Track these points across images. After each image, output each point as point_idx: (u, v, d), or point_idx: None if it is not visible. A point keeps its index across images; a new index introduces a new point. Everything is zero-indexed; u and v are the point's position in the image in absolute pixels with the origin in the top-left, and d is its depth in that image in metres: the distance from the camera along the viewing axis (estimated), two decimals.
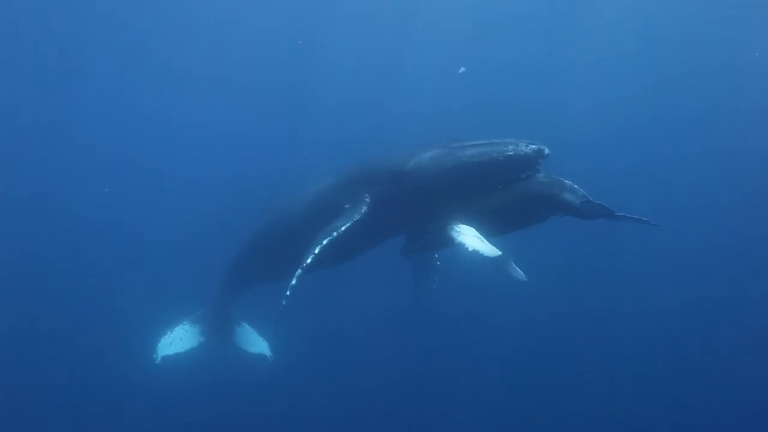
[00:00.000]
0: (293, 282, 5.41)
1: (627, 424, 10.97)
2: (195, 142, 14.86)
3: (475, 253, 4.87)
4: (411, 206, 5.68)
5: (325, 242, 5.46)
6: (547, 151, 5.28)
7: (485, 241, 4.99)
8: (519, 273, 5.12)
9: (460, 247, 5.00)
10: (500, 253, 4.83)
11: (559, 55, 16.58)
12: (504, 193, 5.35)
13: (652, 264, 12.90)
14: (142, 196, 12.72)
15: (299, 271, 5.44)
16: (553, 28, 16.42)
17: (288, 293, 5.37)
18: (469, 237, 5.01)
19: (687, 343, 11.92)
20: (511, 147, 5.31)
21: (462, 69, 15.43)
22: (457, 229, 5.18)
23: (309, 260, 5.44)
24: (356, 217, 5.57)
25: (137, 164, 13.68)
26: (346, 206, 5.79)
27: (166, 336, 7.78)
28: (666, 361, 11.67)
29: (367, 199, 5.73)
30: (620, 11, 16.16)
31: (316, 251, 5.45)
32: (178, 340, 7.82)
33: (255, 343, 8.06)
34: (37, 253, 11.84)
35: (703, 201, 14.39)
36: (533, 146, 5.30)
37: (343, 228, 5.49)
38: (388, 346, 10.38)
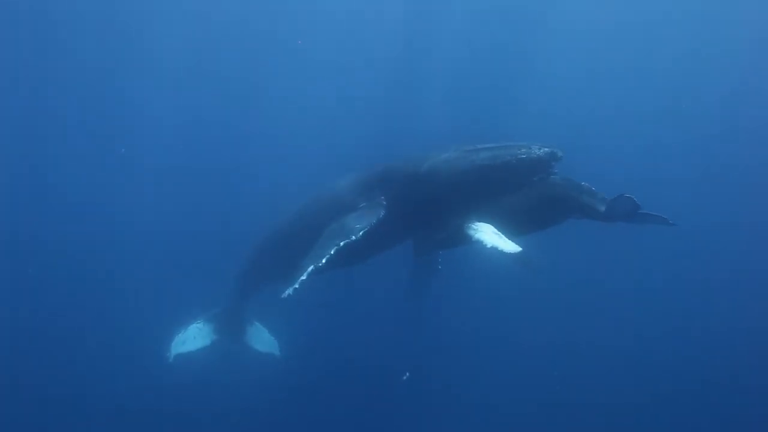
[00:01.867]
0: (303, 277, 5.16)
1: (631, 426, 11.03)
2: (213, 139, 14.93)
3: (495, 249, 4.93)
4: (425, 209, 5.74)
5: (341, 244, 5.33)
6: (560, 154, 5.39)
7: (504, 237, 5.06)
8: (539, 264, 5.15)
9: (479, 244, 5.07)
10: (520, 249, 4.89)
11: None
12: (520, 195, 5.45)
13: (660, 268, 12.97)
14: (157, 194, 12.77)
15: (311, 267, 5.22)
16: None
17: (296, 286, 5.12)
18: (488, 234, 5.10)
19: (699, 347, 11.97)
20: (524, 150, 5.42)
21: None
22: (474, 226, 5.26)
23: (324, 261, 5.26)
24: (373, 220, 5.51)
25: (154, 161, 13.71)
26: (362, 205, 5.81)
27: (180, 334, 7.90)
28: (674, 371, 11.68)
29: (383, 202, 5.75)
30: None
31: (332, 252, 5.30)
32: (191, 338, 7.93)
33: (266, 342, 8.17)
34: (51, 250, 11.88)
35: (714, 204, 14.49)
36: (546, 149, 5.41)
37: (361, 232, 5.39)
38: (396, 345, 10.44)
